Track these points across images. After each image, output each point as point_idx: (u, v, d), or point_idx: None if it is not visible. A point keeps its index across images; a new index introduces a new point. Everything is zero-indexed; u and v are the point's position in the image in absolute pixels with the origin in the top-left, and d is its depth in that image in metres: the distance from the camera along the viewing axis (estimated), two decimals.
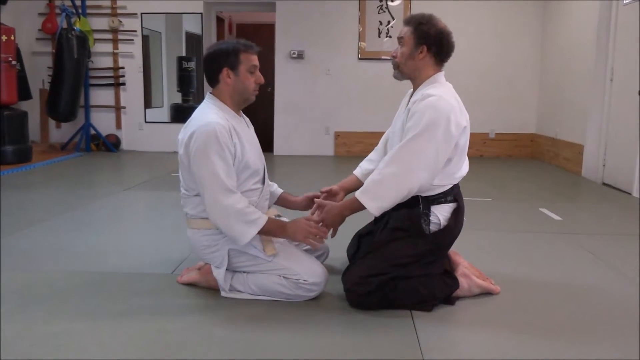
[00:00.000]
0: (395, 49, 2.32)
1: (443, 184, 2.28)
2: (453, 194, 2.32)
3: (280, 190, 2.62)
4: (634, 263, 2.91)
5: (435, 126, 2.11)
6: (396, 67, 2.32)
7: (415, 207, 2.24)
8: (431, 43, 2.23)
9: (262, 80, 2.33)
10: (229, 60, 2.25)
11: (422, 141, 2.11)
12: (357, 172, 2.63)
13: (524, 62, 7.29)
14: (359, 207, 2.18)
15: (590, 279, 2.68)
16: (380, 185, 2.15)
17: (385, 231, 2.31)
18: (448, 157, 2.20)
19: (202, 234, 2.31)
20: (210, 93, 2.35)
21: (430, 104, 2.14)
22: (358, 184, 2.53)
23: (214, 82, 2.31)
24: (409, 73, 2.30)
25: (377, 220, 2.49)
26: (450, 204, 2.30)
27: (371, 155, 2.67)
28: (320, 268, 2.32)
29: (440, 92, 2.20)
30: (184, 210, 2.39)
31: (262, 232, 2.19)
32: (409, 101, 2.33)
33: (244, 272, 2.32)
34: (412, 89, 2.38)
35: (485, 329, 2.08)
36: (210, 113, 2.23)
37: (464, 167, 2.36)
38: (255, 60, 2.30)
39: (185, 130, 2.26)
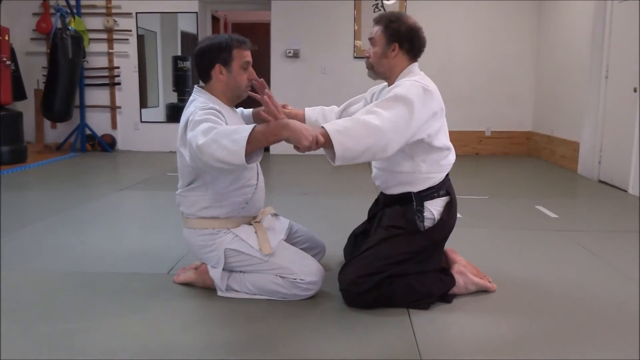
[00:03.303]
0: (368, 49, 2.33)
1: (431, 173, 2.26)
2: (445, 188, 2.32)
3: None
4: (630, 260, 2.91)
5: (411, 94, 2.08)
6: (370, 67, 2.33)
7: (408, 204, 2.24)
8: (403, 40, 2.25)
9: (254, 76, 2.31)
10: (222, 56, 2.23)
11: (399, 105, 2.06)
12: (308, 110, 2.63)
13: (520, 59, 7.30)
14: (323, 134, 1.98)
15: (587, 276, 2.68)
16: (352, 124, 2.00)
17: (379, 229, 2.31)
18: (425, 134, 2.15)
19: (198, 234, 2.30)
20: (199, 86, 2.33)
21: (406, 82, 2.17)
22: (302, 121, 2.53)
23: (206, 77, 2.30)
24: (384, 72, 2.32)
25: (371, 218, 2.49)
26: (443, 198, 2.30)
27: (329, 114, 2.63)
28: (317, 266, 2.32)
29: (416, 78, 2.22)
30: (180, 210, 2.38)
31: (254, 140, 1.91)
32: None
33: (240, 271, 2.31)
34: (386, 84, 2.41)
35: (483, 327, 2.08)
36: (200, 101, 2.23)
37: (451, 156, 2.34)
38: (248, 56, 2.28)
39: (180, 125, 2.24)
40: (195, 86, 2.34)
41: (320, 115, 2.61)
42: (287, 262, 2.26)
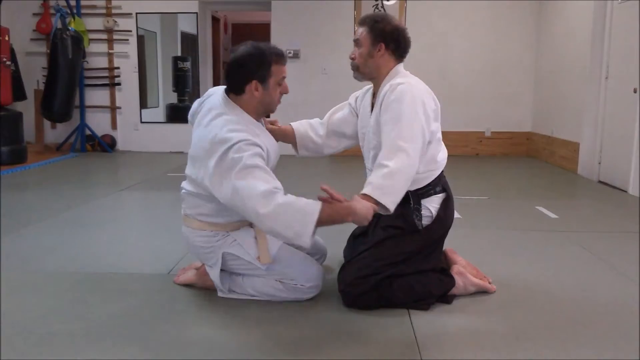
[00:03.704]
0: (353, 51, 2.33)
1: (428, 171, 2.26)
2: (441, 184, 2.32)
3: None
4: (632, 260, 2.91)
5: (416, 111, 2.12)
6: (356, 68, 2.32)
7: (405, 203, 2.23)
8: (389, 40, 2.25)
9: (287, 90, 2.25)
10: (260, 73, 2.12)
11: (413, 127, 2.10)
12: (295, 125, 2.58)
13: (520, 60, 7.30)
14: (374, 203, 2.03)
15: (586, 277, 2.68)
16: (391, 179, 2.05)
17: (377, 230, 2.30)
18: (428, 138, 2.19)
19: (197, 234, 2.29)
20: (228, 97, 2.19)
21: (404, 91, 2.14)
22: (292, 137, 2.55)
23: (238, 91, 2.16)
24: (370, 72, 2.30)
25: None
26: (440, 195, 2.30)
27: (316, 125, 2.58)
28: (316, 269, 2.31)
29: (407, 80, 2.21)
30: (182, 206, 2.35)
31: (319, 223, 1.93)
32: (373, 97, 2.35)
33: (239, 274, 2.31)
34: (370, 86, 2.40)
35: (483, 328, 2.08)
36: (237, 126, 2.07)
37: (443, 152, 2.35)
38: (285, 71, 2.20)
39: (210, 129, 2.07)
40: (223, 96, 2.20)
41: (309, 127, 2.57)
42: (287, 268, 2.24)
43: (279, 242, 2.23)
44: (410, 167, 2.08)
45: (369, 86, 2.44)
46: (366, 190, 2.04)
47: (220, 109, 2.16)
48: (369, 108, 2.36)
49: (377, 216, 2.32)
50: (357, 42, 2.30)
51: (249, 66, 2.12)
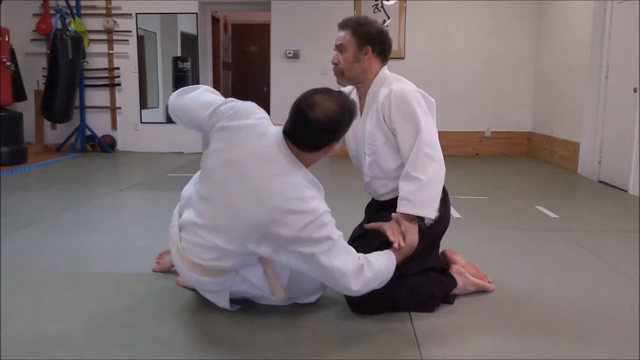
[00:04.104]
0: (335, 56, 2.24)
1: None
2: None
3: None
4: (631, 260, 2.91)
5: (427, 114, 2.12)
6: (340, 74, 2.25)
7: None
8: (375, 42, 2.20)
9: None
10: (339, 136, 1.96)
11: (430, 131, 2.10)
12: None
13: (520, 60, 7.30)
14: (415, 219, 2.09)
15: (587, 276, 2.68)
16: (428, 190, 2.07)
17: (379, 234, 2.28)
18: None
19: (201, 277, 2.03)
20: (289, 147, 1.90)
21: (409, 96, 2.11)
22: None
23: (312, 149, 1.91)
24: (356, 77, 2.24)
25: (368, 221, 2.45)
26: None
27: None
28: (317, 281, 2.15)
29: (404, 84, 2.19)
30: (182, 245, 2.02)
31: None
32: (359, 100, 2.30)
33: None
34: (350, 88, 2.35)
35: (484, 328, 2.08)
36: (308, 191, 1.85)
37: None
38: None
39: (272, 194, 1.81)
40: (282, 144, 1.89)
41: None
42: (291, 288, 2.16)
43: (286, 271, 2.09)
44: (440, 170, 2.10)
45: (347, 89, 2.38)
46: (407, 209, 2.06)
47: (282, 166, 1.86)
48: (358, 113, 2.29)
49: (375, 219, 2.29)
50: (341, 47, 2.22)
51: (339, 132, 1.92)
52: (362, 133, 2.29)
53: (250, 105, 2.04)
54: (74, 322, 2.08)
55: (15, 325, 2.04)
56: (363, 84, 2.28)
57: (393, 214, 2.11)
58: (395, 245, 2.02)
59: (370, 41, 2.19)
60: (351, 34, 2.19)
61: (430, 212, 2.07)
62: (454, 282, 2.30)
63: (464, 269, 2.41)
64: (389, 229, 2.06)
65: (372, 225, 2.15)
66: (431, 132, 2.11)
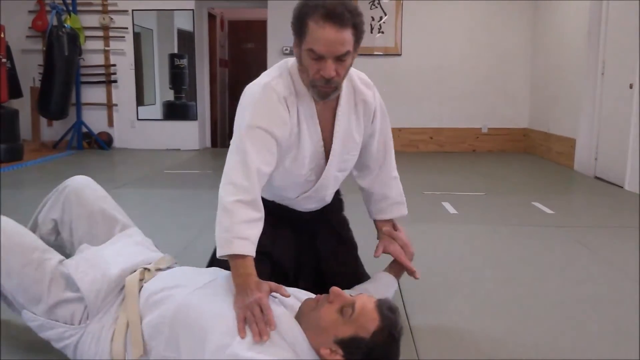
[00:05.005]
0: (329, 66, 1.61)
1: None
2: None
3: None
4: (628, 255, 2.92)
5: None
6: (336, 88, 1.71)
7: (337, 201, 2.21)
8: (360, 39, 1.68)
9: None
10: None
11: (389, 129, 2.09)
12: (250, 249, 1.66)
13: (516, 57, 7.31)
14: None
15: (584, 273, 2.69)
16: (398, 191, 2.11)
17: (334, 231, 2.18)
18: None
19: None
20: None
21: (374, 89, 1.99)
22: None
23: None
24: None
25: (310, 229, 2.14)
26: None
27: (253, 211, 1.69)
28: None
29: (363, 77, 1.95)
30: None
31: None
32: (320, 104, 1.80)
33: None
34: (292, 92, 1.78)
35: (480, 327, 2.08)
36: None
37: None
38: None
39: None
40: None
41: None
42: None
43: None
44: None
45: (269, 98, 1.72)
46: (403, 211, 2.10)
47: None
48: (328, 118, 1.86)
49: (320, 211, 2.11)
50: (346, 55, 1.63)
51: None
52: (344, 138, 1.89)
53: None
54: None
55: (15, 325, 2.04)
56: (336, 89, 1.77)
57: (385, 228, 2.05)
58: (418, 275, 2.00)
59: (360, 38, 1.67)
60: (352, 33, 1.62)
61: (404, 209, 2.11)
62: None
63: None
64: (401, 254, 2.01)
65: (381, 252, 2.02)
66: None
